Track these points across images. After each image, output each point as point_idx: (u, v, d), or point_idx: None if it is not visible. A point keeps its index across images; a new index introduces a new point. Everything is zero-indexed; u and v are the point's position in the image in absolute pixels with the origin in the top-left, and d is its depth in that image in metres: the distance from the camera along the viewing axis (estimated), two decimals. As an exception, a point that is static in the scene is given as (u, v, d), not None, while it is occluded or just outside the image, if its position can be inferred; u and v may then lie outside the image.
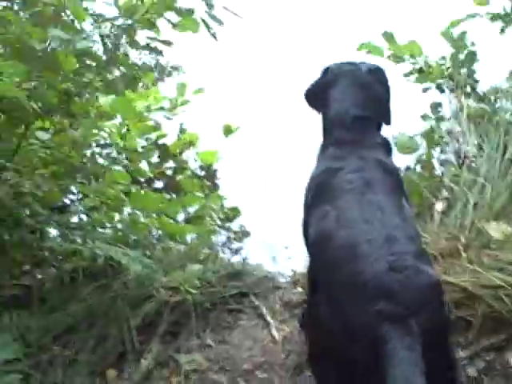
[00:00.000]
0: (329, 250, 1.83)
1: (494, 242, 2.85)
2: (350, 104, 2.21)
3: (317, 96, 2.34)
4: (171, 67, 5.46)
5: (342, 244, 1.79)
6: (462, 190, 3.18)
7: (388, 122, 2.33)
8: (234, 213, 3.51)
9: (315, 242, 1.95)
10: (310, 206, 2.07)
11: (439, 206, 3.20)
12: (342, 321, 1.67)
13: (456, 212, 3.09)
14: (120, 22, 2.79)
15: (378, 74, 2.37)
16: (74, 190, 3.02)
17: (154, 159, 3.66)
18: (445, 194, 3.28)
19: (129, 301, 2.59)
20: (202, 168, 3.93)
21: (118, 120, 3.47)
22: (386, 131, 2.35)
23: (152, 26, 2.78)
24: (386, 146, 2.24)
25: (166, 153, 3.73)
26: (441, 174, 3.57)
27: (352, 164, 2.05)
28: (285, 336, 2.59)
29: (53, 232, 2.81)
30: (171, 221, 2.72)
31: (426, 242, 2.93)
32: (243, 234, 3.51)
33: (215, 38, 2.82)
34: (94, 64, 2.78)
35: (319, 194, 2.05)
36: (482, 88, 3.92)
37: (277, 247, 3.29)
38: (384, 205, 1.89)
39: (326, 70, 2.40)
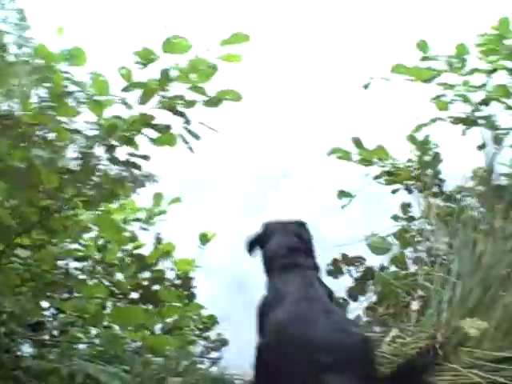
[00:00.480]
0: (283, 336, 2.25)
1: (470, 338, 2.88)
2: (285, 242, 2.83)
3: (255, 244, 2.96)
4: (144, 176, 5.56)
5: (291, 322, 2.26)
6: (435, 288, 3.25)
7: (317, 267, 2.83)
8: (211, 321, 3.50)
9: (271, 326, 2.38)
10: (261, 322, 2.55)
11: (414, 305, 3.25)
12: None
13: (431, 310, 3.14)
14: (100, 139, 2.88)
15: (303, 225, 3.00)
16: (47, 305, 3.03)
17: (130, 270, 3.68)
18: (419, 292, 3.33)
19: (108, 419, 2.53)
20: (178, 277, 3.94)
21: (95, 232, 3.53)
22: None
23: (131, 142, 2.89)
24: (316, 268, 2.79)
25: (142, 263, 3.76)
26: (414, 273, 3.64)
27: (294, 283, 2.56)
28: None
29: (28, 350, 2.80)
30: (150, 333, 2.72)
31: (404, 342, 2.97)
32: (221, 343, 3.49)
33: (192, 150, 2.93)
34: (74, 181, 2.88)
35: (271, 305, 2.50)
36: (447, 187, 4.06)
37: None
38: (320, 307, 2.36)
39: (265, 226, 3.01)
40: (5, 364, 2.56)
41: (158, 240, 3.94)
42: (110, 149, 2.97)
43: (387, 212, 4.09)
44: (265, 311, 2.54)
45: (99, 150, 2.97)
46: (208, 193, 5.20)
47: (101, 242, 3.58)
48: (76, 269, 3.34)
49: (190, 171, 5.26)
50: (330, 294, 2.63)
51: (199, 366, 3.10)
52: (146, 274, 3.80)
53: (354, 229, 4.46)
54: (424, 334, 2.98)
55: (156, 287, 3.73)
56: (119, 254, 3.56)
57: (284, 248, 2.79)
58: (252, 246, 3.00)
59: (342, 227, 4.42)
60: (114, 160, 2.99)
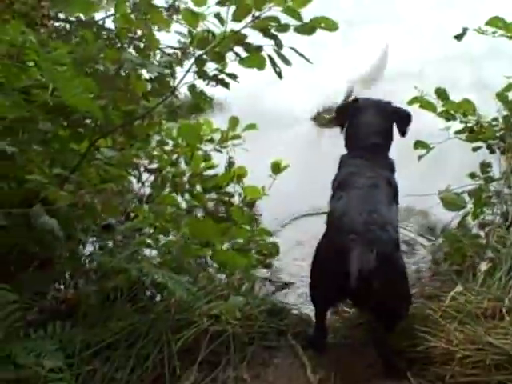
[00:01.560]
0: (335, 215, 2.74)
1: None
2: (373, 132, 3.06)
3: (345, 115, 3.18)
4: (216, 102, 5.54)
5: (341, 212, 2.69)
6: (508, 252, 3.17)
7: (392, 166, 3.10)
8: (275, 249, 3.52)
9: (331, 211, 2.85)
10: (334, 191, 2.96)
11: (483, 266, 3.18)
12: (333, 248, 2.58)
13: (500, 274, 3.07)
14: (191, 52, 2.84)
15: (399, 111, 3.20)
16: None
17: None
18: (489, 254, 3.26)
19: (170, 324, 2.61)
20: (244, 203, 3.94)
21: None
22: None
23: (221, 59, 2.84)
24: (391, 167, 3.07)
25: (212, 184, 3.76)
26: (483, 235, 3.55)
27: (366, 173, 2.89)
28: (320, 378, 2.58)
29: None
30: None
31: (469, 301, 2.93)
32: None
33: (280, 76, 2.86)
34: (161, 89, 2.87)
35: (341, 186, 2.91)
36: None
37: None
38: (378, 199, 2.76)
39: (356, 100, 3.23)
40: (78, 258, 2.63)
41: (230, 163, 3.92)
42: (199, 62, 2.92)
43: (464, 170, 3.97)
44: (336, 187, 2.96)
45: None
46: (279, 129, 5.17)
47: (174, 157, 3.60)
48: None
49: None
50: (394, 194, 2.93)
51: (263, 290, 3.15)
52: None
53: (420, 181, 4.40)
54: (490, 296, 2.93)
55: (222, 209, 3.75)
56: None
57: (369, 136, 3.04)
58: (342, 115, 3.22)
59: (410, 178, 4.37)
60: (202, 74, 2.94)
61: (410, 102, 4.23)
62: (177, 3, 4.05)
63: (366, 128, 3.09)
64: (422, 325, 2.82)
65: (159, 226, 2.73)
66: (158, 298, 2.82)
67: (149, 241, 2.82)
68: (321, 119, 5.26)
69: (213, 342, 2.62)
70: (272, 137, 4.85)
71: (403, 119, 3.17)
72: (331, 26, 2.89)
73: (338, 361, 2.73)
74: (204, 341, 2.61)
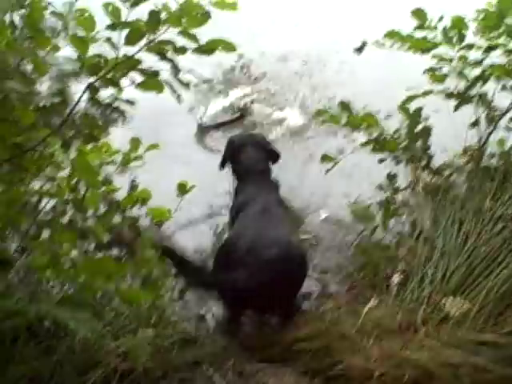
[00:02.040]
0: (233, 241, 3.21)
1: (451, 317, 2.85)
2: (256, 161, 3.64)
3: (231, 155, 3.75)
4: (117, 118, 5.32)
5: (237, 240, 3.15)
6: (418, 263, 3.19)
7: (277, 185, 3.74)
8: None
9: (230, 237, 3.33)
10: (232, 221, 3.46)
11: (395, 278, 3.19)
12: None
13: (413, 285, 3.09)
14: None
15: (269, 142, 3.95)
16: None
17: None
18: (401, 266, 3.27)
19: (75, 366, 2.43)
20: (151, 225, 3.80)
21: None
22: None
23: (115, 85, 2.70)
24: (276, 186, 3.66)
25: (116, 208, 3.59)
26: (395, 246, 3.56)
27: (257, 199, 3.39)
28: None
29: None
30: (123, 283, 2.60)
31: (383, 315, 2.92)
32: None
33: (179, 101, 2.76)
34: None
35: (237, 215, 3.39)
36: (435, 162, 3.96)
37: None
38: (271, 224, 3.23)
39: (232, 141, 3.88)
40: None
41: (133, 186, 3.75)
42: (92, 89, 2.78)
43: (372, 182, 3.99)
44: (234, 216, 3.42)
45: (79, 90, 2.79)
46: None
47: (74, 181, 3.40)
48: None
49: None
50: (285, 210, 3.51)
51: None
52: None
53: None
54: (403, 309, 2.93)
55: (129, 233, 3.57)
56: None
57: (255, 165, 3.58)
58: (224, 162, 3.76)
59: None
60: (95, 102, 2.80)
61: (315, 116, 4.24)
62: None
63: (250, 159, 3.62)
64: (340, 342, 2.80)
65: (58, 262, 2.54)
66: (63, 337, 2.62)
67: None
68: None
69: (123, 382, 2.46)
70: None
71: (273, 151, 3.83)
72: (230, 47, 2.82)
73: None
74: (113, 381, 2.44)
